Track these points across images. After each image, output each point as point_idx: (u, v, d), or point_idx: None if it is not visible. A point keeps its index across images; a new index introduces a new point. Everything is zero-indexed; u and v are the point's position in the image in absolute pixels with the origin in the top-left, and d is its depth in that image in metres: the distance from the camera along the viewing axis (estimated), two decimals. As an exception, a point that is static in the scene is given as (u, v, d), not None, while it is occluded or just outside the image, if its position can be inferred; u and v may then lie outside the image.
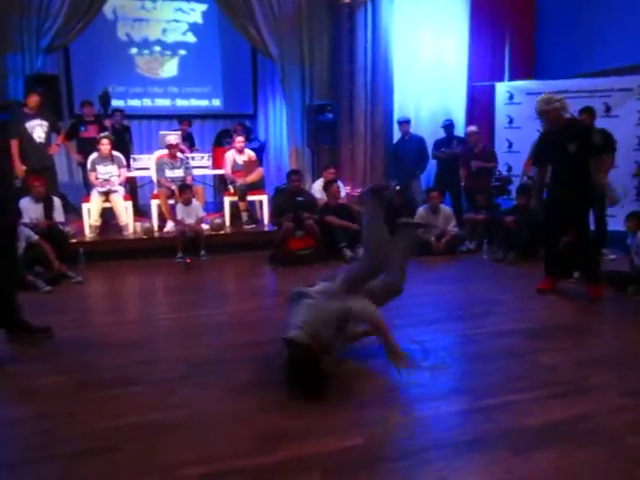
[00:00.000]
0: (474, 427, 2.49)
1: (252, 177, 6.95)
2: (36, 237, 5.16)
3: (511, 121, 7.90)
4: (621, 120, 6.97)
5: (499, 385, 2.90)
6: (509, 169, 7.69)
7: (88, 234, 6.43)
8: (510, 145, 7.85)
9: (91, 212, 6.44)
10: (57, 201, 5.99)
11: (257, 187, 7.06)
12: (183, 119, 8.28)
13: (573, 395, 2.78)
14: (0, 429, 2.54)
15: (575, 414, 2.58)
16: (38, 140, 6.43)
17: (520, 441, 2.36)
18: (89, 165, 6.60)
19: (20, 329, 3.60)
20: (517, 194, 6.44)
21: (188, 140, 7.92)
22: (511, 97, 7.92)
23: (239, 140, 7.12)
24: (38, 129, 6.43)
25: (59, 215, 5.95)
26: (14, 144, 6.04)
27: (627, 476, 2.15)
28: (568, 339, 3.60)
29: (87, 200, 6.53)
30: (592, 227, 5.89)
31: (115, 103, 8.12)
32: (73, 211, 6.91)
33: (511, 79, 8.40)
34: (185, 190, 6.38)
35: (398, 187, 6.90)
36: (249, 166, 7.00)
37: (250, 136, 8.24)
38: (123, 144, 7.39)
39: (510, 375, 3.03)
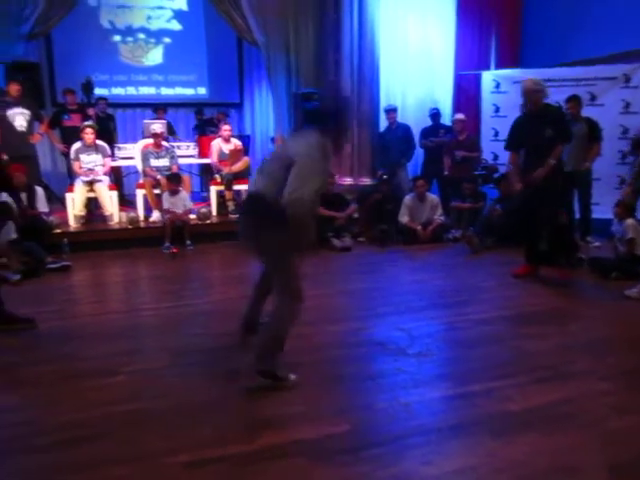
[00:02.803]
0: (457, 413, 2.51)
1: (238, 166, 6.90)
2: (14, 236, 4.98)
3: (497, 110, 7.90)
4: (606, 109, 7.00)
5: (483, 371, 2.93)
6: (495, 158, 7.71)
7: (72, 224, 6.36)
8: (496, 134, 7.85)
9: (75, 202, 6.36)
10: (40, 191, 5.91)
11: (243, 176, 7.02)
12: (159, 107, 8.19)
13: (555, 380, 2.81)
14: (-18, 420, 2.52)
15: (556, 398, 2.61)
16: (20, 129, 6.33)
17: (502, 426, 2.39)
18: (73, 154, 6.51)
19: (3, 320, 3.56)
20: (497, 183, 6.48)
21: (167, 128, 7.83)
22: (497, 86, 7.92)
23: (225, 129, 7.07)
24: (19, 117, 6.33)
25: (42, 205, 5.88)
26: (-5, 133, 5.96)
27: (606, 458, 2.18)
28: (551, 325, 3.64)
29: (71, 190, 6.45)
30: (577, 215, 5.99)
31: (99, 91, 8.02)
32: (57, 201, 6.83)
33: (497, 68, 8.40)
34: (172, 180, 6.33)
35: (385, 176, 6.90)
36: (235, 155, 6.96)
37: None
38: (107, 133, 7.30)
39: (493, 361, 3.06)
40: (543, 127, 4.44)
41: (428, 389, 2.75)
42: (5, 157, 6.07)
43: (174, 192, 6.33)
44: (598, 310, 4.00)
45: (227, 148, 7.00)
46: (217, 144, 7.06)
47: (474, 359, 3.09)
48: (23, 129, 6.36)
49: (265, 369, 2.80)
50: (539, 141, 4.45)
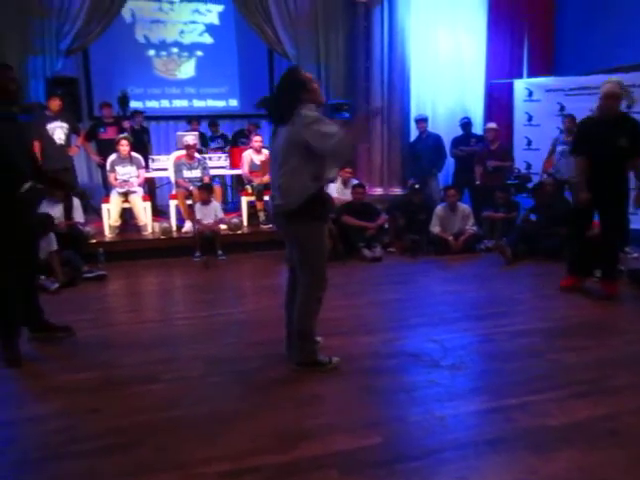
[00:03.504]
0: (494, 427, 2.47)
1: (269, 177, 6.95)
2: (56, 247, 5.12)
3: (530, 118, 7.81)
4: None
5: (519, 385, 2.87)
6: (528, 167, 7.61)
7: (108, 234, 6.51)
8: (529, 143, 7.77)
9: (110, 212, 6.51)
10: (76, 201, 6.06)
11: (274, 187, 7.06)
12: (192, 120, 8.33)
13: (595, 395, 2.74)
14: (25, 426, 2.58)
15: (597, 414, 2.54)
16: (58, 142, 6.52)
17: (541, 441, 2.33)
18: (108, 166, 6.68)
19: (42, 328, 3.65)
20: (533, 192, 6.37)
21: (201, 140, 7.95)
22: (530, 94, 7.83)
23: (256, 140, 7.14)
24: (58, 131, 6.52)
25: (79, 215, 6.03)
26: (35, 146, 6.13)
27: (652, 477, 2.11)
28: (590, 338, 3.54)
29: (107, 201, 6.60)
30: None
31: (133, 104, 8.20)
32: (93, 211, 7.00)
33: (530, 76, 8.31)
34: (203, 190, 6.42)
35: (416, 186, 6.87)
36: (266, 166, 7.02)
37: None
38: (142, 145, 7.46)
39: (530, 375, 2.99)
40: (617, 136, 4.17)
41: (463, 402, 2.70)
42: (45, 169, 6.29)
43: (205, 202, 6.42)
44: (639, 323, 3.88)
45: (258, 159, 7.07)
46: (248, 155, 7.14)
47: (510, 372, 3.04)
48: (62, 142, 6.55)
49: (304, 359, 3.02)
50: (611, 150, 4.19)
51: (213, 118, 8.67)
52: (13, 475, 2.22)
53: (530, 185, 7.01)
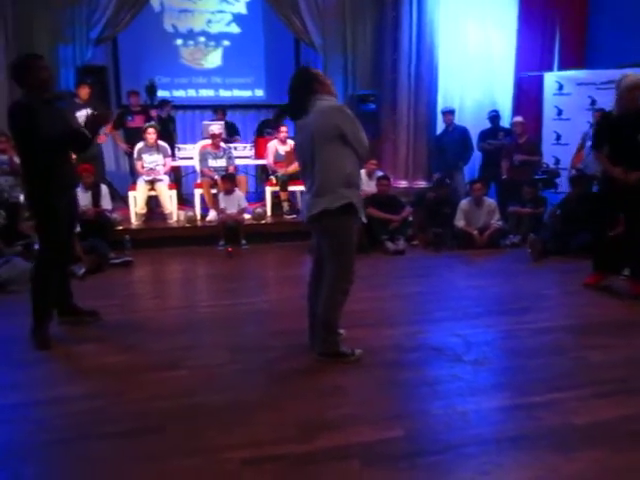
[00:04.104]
0: (517, 424, 2.45)
1: (293, 167, 6.97)
2: (78, 229, 5.21)
3: (560, 112, 7.66)
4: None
5: (543, 382, 2.84)
6: (557, 162, 7.48)
7: (134, 221, 6.60)
8: (558, 137, 7.62)
9: (137, 200, 6.60)
10: (104, 189, 6.16)
11: (298, 177, 7.07)
12: (217, 109, 8.35)
13: (622, 394, 2.69)
14: (56, 406, 2.64)
15: (624, 414, 2.50)
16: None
17: (565, 440, 2.31)
18: (136, 154, 6.76)
19: (71, 312, 3.74)
20: (572, 185, 6.22)
21: (228, 129, 7.98)
22: (560, 87, 7.68)
23: (282, 130, 7.15)
24: (87, 119, 6.61)
25: (106, 203, 6.13)
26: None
27: (678, 480, 2.08)
28: (617, 336, 3.49)
29: (133, 188, 6.69)
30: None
31: (160, 94, 8.27)
32: (120, 199, 7.10)
33: (561, 69, 8.14)
34: (227, 180, 6.47)
35: (447, 180, 6.81)
36: (291, 156, 7.03)
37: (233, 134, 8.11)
38: (168, 134, 7.53)
39: (555, 372, 2.96)
40: (637, 131, 4.04)
41: (485, 398, 2.69)
42: (74, 156, 6.40)
43: (229, 192, 6.47)
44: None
45: (283, 149, 7.09)
46: (273, 145, 7.15)
47: (534, 369, 3.01)
48: (90, 130, 6.64)
49: (327, 350, 3.05)
50: (631, 145, 4.06)
51: (222, 106, 8.56)
52: (43, 455, 2.28)
53: (558, 180, 6.90)
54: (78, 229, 5.14)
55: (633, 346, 3.34)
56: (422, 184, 7.87)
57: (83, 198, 5.82)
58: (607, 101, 6.51)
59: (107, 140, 7.38)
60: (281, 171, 6.91)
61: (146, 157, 6.71)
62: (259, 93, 9.72)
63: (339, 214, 2.90)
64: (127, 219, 6.60)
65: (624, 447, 2.26)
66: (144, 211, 6.67)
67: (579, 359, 3.12)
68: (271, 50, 9.49)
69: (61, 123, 3.37)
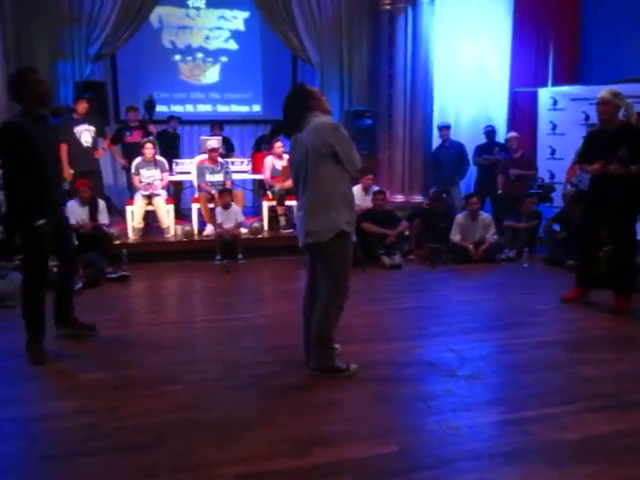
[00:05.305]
0: (510, 439, 2.45)
1: (290, 182, 6.99)
2: (75, 243, 5.21)
3: (554, 127, 7.74)
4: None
5: (537, 397, 2.84)
6: (552, 176, 7.54)
7: (131, 236, 6.62)
8: (553, 152, 7.70)
9: (134, 215, 6.62)
10: (102, 204, 6.18)
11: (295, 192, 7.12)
12: (215, 124, 8.42)
13: (616, 409, 2.70)
14: (47, 422, 2.64)
15: (617, 429, 2.51)
16: (85, 144, 6.67)
17: (559, 455, 2.31)
18: (133, 169, 6.80)
19: (73, 325, 3.76)
20: (567, 202, 6.27)
21: (225, 145, 8.05)
22: (555, 103, 7.77)
23: (278, 145, 7.20)
24: (86, 134, 6.67)
25: (104, 217, 6.14)
26: (63, 148, 6.28)
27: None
28: (610, 351, 3.51)
29: (131, 203, 6.72)
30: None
31: (159, 109, 8.33)
32: (117, 213, 7.13)
33: (555, 84, 8.23)
34: (224, 194, 6.50)
35: (443, 194, 6.85)
36: (287, 171, 7.07)
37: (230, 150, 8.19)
38: (173, 149, 7.60)
39: (549, 387, 2.97)
40: (617, 146, 4.07)
41: (480, 413, 2.69)
42: (72, 171, 6.45)
43: (226, 206, 6.50)
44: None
45: (280, 164, 7.13)
46: (270, 160, 7.20)
47: (528, 384, 3.01)
48: (89, 145, 6.70)
49: (321, 365, 3.06)
50: (611, 161, 4.09)
51: (220, 122, 8.65)
52: (35, 471, 2.28)
53: (553, 195, 6.95)
54: (76, 242, 5.18)
55: (626, 360, 3.36)
56: (418, 199, 7.92)
57: (80, 212, 5.86)
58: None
59: (105, 154, 7.43)
60: (278, 186, 6.95)
61: (144, 172, 6.74)
62: (256, 108, 9.80)
63: (330, 243, 2.93)
64: (125, 233, 6.62)
65: (617, 462, 2.26)
66: (141, 225, 6.69)
67: (573, 374, 3.13)
68: (268, 66, 9.59)
69: (45, 144, 3.34)
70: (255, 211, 7.97)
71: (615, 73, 7.62)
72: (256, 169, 7.62)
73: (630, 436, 2.46)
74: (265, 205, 7.11)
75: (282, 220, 6.93)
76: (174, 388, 2.98)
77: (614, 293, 4.39)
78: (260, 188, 8.01)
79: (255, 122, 9.63)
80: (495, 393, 2.96)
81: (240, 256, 6.30)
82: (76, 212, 5.82)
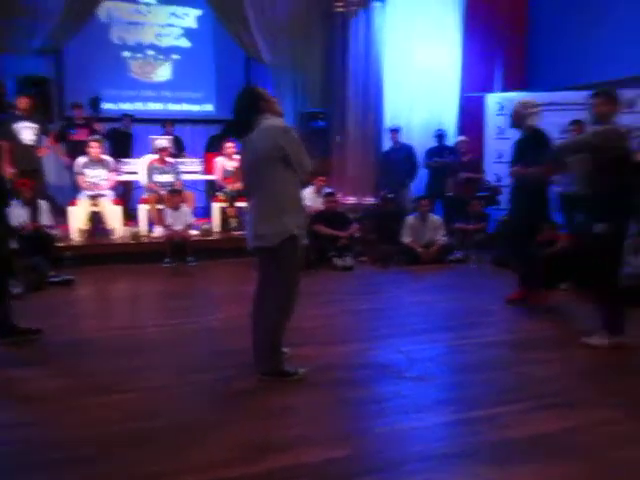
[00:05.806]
0: (458, 439, 2.50)
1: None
2: (15, 246, 4.98)
3: (501, 132, 7.96)
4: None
5: (486, 397, 2.91)
6: (498, 179, 7.75)
7: (75, 238, 6.38)
8: (500, 156, 7.90)
9: (79, 216, 6.39)
10: (44, 204, 5.94)
11: (246, 194, 7.05)
12: (166, 122, 8.24)
13: (560, 408, 2.79)
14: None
15: (561, 427, 2.58)
16: (27, 142, 6.38)
17: (505, 454, 2.36)
18: (76, 168, 6.56)
19: (11, 332, 3.59)
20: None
21: (176, 144, 7.88)
22: (502, 108, 7.98)
23: (228, 146, 7.11)
24: (27, 131, 6.38)
25: (45, 218, 5.90)
26: (3, 146, 5.99)
27: (611, 490, 2.16)
28: (557, 351, 3.62)
29: (74, 204, 6.48)
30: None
31: (107, 106, 8.09)
32: (61, 214, 6.86)
33: (503, 90, 8.48)
34: (174, 195, 6.37)
35: (391, 195, 6.94)
36: (239, 172, 7.00)
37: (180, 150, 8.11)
38: (125, 148, 7.38)
39: (497, 387, 3.04)
40: (528, 151, 4.37)
41: (430, 414, 2.72)
42: (13, 170, 6.15)
43: (176, 207, 6.37)
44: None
45: (231, 165, 7.04)
46: (221, 161, 7.10)
47: (477, 384, 3.08)
48: (31, 142, 6.42)
49: (270, 369, 3.02)
50: (523, 164, 4.38)
51: (171, 120, 8.48)
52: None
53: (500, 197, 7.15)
54: (14, 245, 4.94)
55: (570, 359, 3.47)
56: (370, 200, 7.99)
57: (22, 213, 5.61)
58: (546, 122, 6.80)
59: (49, 153, 7.13)
60: (229, 187, 6.87)
61: (88, 172, 6.52)
62: (209, 108, 9.66)
63: (280, 247, 2.92)
64: (68, 235, 6.38)
65: (561, 459, 2.33)
66: (87, 227, 6.46)
67: (520, 374, 3.22)
68: (221, 65, 9.46)
69: None
70: (206, 212, 7.85)
71: (559, 80, 7.94)
72: (208, 169, 7.51)
73: (573, 433, 2.53)
74: (215, 206, 7.01)
75: (233, 222, 6.86)
76: (125, 396, 2.88)
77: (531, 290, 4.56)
78: (211, 189, 7.89)
79: (207, 122, 9.47)
80: (445, 394, 3.00)
81: (190, 258, 6.18)
82: (16, 213, 5.56)
